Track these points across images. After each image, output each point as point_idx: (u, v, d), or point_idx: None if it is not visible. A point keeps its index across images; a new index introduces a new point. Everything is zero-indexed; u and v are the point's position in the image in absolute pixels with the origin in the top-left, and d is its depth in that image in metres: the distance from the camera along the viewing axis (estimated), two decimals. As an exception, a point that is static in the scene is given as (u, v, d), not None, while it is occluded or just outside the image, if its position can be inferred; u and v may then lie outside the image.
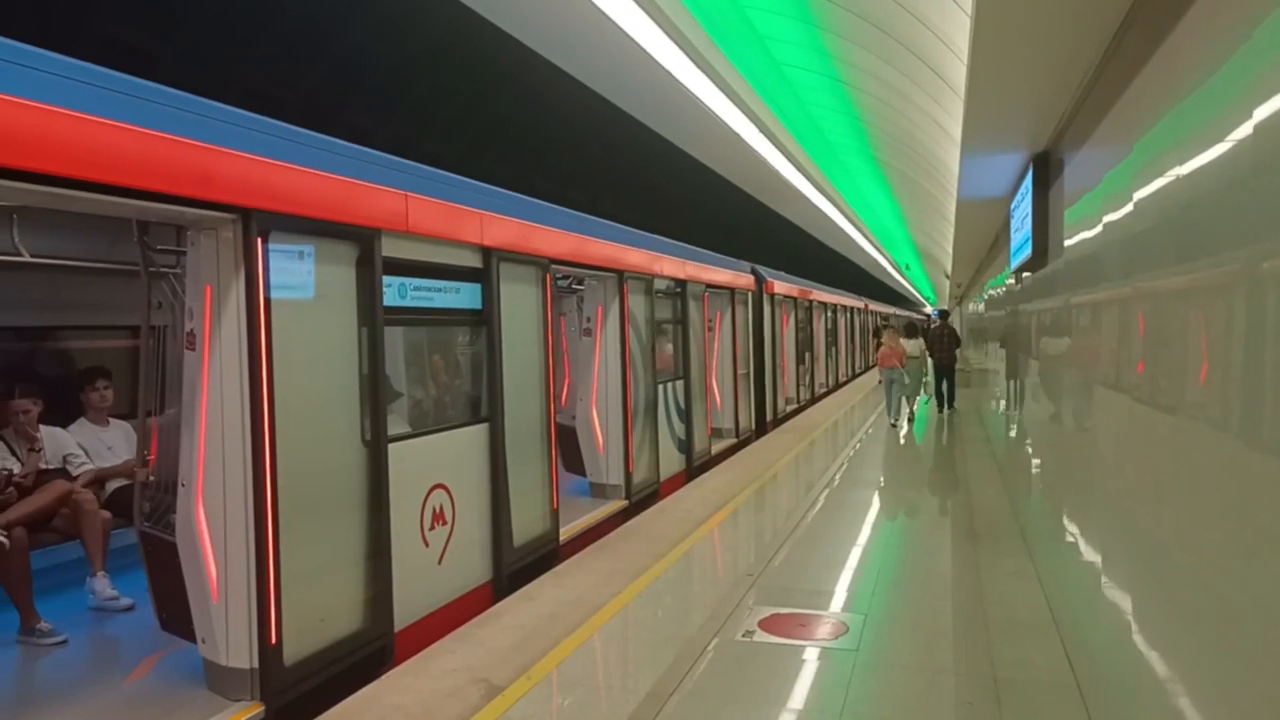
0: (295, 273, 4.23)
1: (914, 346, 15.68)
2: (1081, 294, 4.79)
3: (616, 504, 8.09)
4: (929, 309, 66.23)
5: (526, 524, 6.34)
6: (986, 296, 15.11)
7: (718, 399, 12.54)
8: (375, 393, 4.66)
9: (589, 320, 8.40)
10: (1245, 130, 2.17)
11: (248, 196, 3.89)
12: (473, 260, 5.79)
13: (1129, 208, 3.54)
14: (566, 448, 8.63)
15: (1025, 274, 7.08)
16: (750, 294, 14.15)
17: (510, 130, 13.34)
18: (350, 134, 5.17)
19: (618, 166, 16.70)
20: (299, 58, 10.16)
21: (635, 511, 8.19)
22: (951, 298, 36.05)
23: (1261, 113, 2.03)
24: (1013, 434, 9.40)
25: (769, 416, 15.30)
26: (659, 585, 5.97)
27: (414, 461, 5.08)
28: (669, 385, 9.79)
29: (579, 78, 11.09)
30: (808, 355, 19.53)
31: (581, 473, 8.50)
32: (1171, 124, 2.86)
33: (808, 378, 19.58)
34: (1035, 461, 7.32)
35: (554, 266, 6.95)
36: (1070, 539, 5.34)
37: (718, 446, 11.77)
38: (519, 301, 6.37)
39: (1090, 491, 4.72)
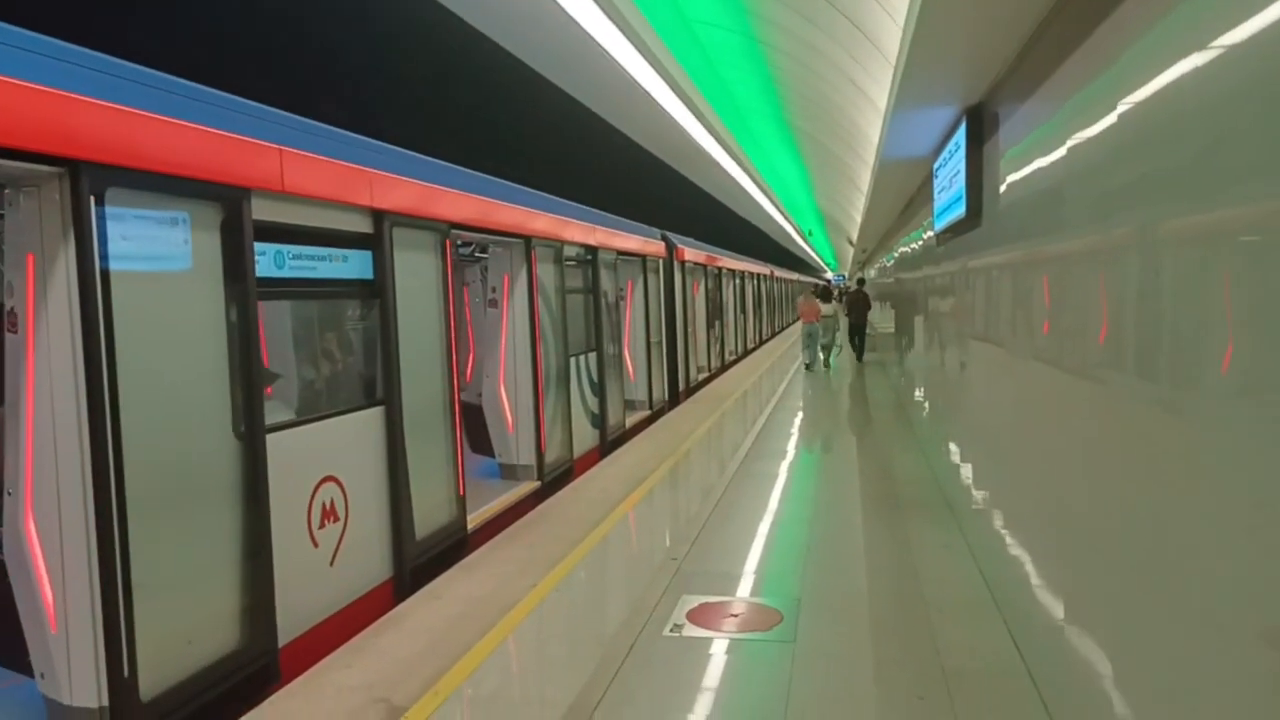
0: (141, 239, 3.56)
1: (828, 308, 18.93)
2: (1016, 251, 4.53)
3: (528, 486, 7.61)
4: (829, 274, 67.85)
5: (430, 514, 5.81)
6: (895, 259, 15.10)
7: (630, 370, 12.15)
8: (248, 377, 4.04)
9: (494, 290, 7.84)
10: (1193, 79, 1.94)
11: (77, 146, 3.22)
12: (361, 225, 5.17)
13: (1077, 159, 3.24)
14: (473, 428, 8.09)
15: (947, 234, 6.86)
16: (661, 261, 13.76)
17: (407, 90, 12.53)
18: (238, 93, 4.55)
19: (525, 128, 16.03)
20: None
21: (548, 493, 7.72)
22: (854, 263, 36.57)
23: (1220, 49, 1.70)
24: (929, 400, 9.31)
25: (682, 386, 15.02)
26: (577, 575, 5.54)
27: (298, 453, 4.49)
28: (581, 358, 9.32)
29: (478, 26, 10.41)
30: (718, 323, 19.33)
31: (490, 454, 7.97)
32: (1122, 74, 2.54)
33: (718, 345, 19.39)
34: (955, 430, 7.17)
35: (455, 232, 6.37)
36: (1001, 514, 5.15)
37: (631, 419, 11.39)
38: (415, 270, 5.78)
39: (1020, 464, 4.51)
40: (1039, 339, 4.15)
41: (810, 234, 42.48)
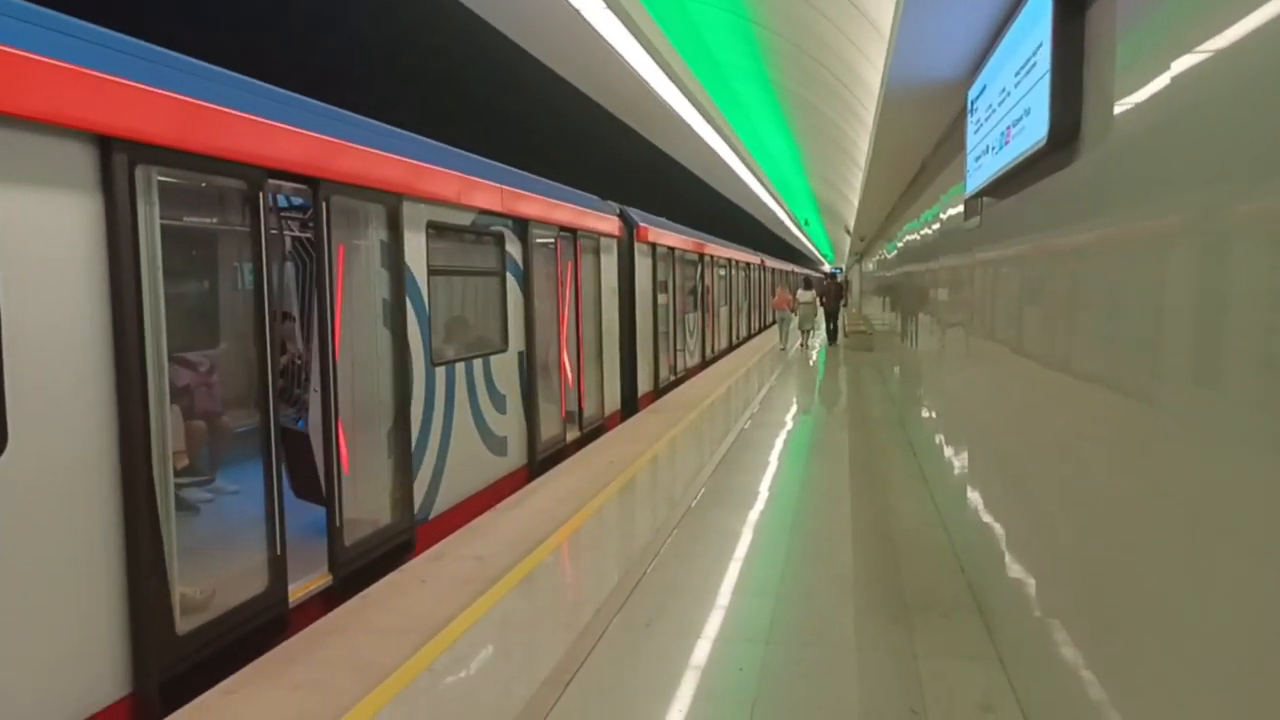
0: None
1: (807, 296, 22.03)
2: (1179, 205, 2.15)
3: (315, 580, 4.86)
4: (826, 267, 66.47)
5: (209, 590, 3.67)
6: (899, 248, 12.69)
7: (567, 376, 9.74)
8: None
9: (340, 268, 5.40)
10: None
11: None
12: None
13: None
14: (298, 466, 5.70)
15: (990, 195, 4.46)
16: (617, 241, 11.33)
17: (291, 25, 10.07)
18: None
19: (455, 81, 13.53)
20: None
21: (338, 598, 5.11)
22: (852, 254, 34.21)
23: None
24: (953, 444, 6.90)
25: (644, 389, 12.65)
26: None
27: None
28: (478, 363, 6.91)
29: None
30: (693, 316, 16.92)
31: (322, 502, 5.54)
32: None
33: (696, 341, 17.00)
34: (989, 483, 4.77)
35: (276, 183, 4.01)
36: (1082, 648, 2.79)
37: (553, 436, 8.97)
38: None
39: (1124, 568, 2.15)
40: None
41: (807, 223, 40.13)
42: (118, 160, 3.45)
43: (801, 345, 21.76)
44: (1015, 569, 3.87)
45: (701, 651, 4.12)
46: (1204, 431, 1.98)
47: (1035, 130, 3.04)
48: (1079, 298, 2.86)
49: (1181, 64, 2.11)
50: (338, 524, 4.86)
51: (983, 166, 4.29)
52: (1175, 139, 2.15)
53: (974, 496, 5.07)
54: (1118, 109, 2.59)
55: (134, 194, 3.53)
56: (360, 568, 5.10)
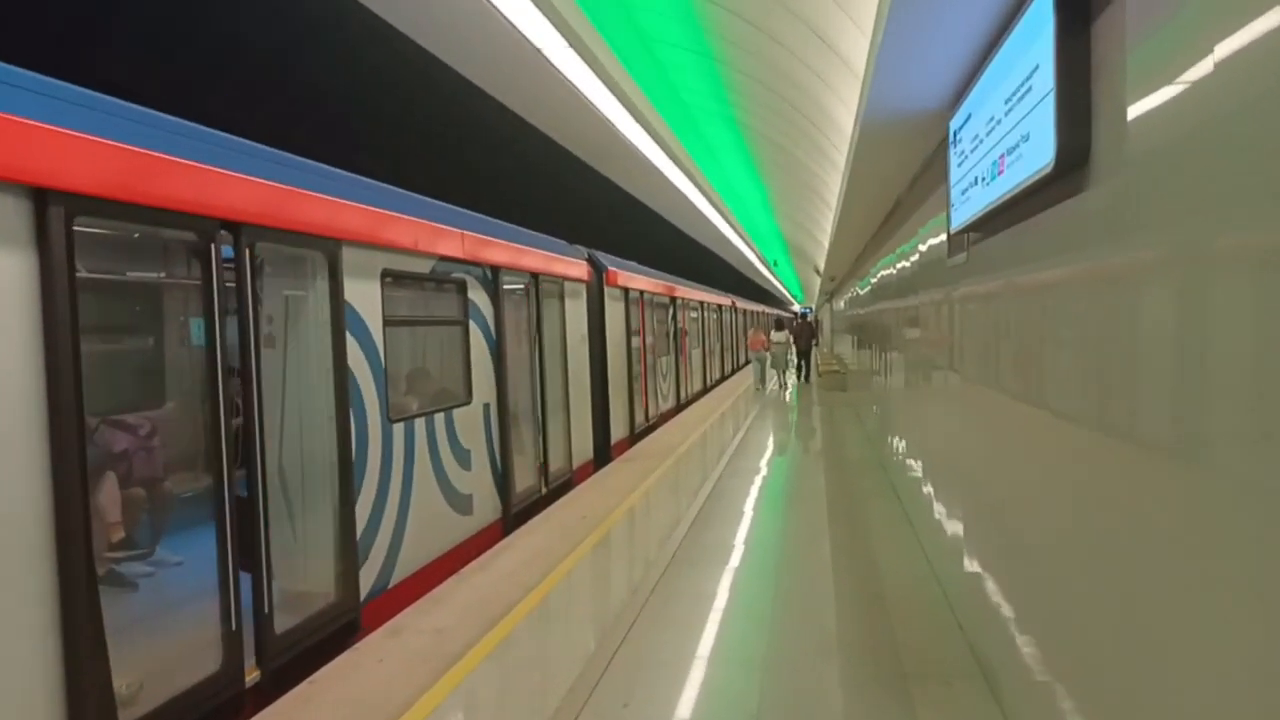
0: None
1: (780, 336, 22.43)
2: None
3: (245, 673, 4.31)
4: (796, 307, 66.93)
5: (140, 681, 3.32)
6: (872, 286, 12.51)
7: (537, 426, 9.35)
8: None
9: (270, 321, 5.05)
10: None
11: None
12: None
13: None
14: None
15: (976, 231, 4.21)
16: (586, 286, 11.03)
17: (245, 71, 9.79)
18: None
19: (416, 125, 13.27)
20: None
21: (315, 658, 4.74)
22: (822, 293, 34.27)
23: None
24: (944, 493, 6.60)
25: (615, 438, 12.26)
26: None
27: None
28: (440, 417, 6.53)
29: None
30: (664, 362, 16.61)
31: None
32: None
33: (666, 387, 16.67)
34: (988, 534, 4.45)
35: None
36: None
37: (528, 488, 8.56)
38: None
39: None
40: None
41: (775, 264, 40.22)
42: (54, 213, 3.15)
43: (779, 386, 22.05)
44: (1022, 628, 3.55)
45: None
46: (1255, 490, 1.68)
47: (1037, 157, 2.77)
48: (1091, 335, 2.58)
49: (1204, 72, 1.85)
50: (266, 609, 4.37)
51: (971, 199, 4.03)
52: (1205, 155, 1.88)
53: (972, 548, 4.75)
54: (1135, 128, 2.33)
55: (72, 250, 3.21)
56: (295, 657, 4.60)
